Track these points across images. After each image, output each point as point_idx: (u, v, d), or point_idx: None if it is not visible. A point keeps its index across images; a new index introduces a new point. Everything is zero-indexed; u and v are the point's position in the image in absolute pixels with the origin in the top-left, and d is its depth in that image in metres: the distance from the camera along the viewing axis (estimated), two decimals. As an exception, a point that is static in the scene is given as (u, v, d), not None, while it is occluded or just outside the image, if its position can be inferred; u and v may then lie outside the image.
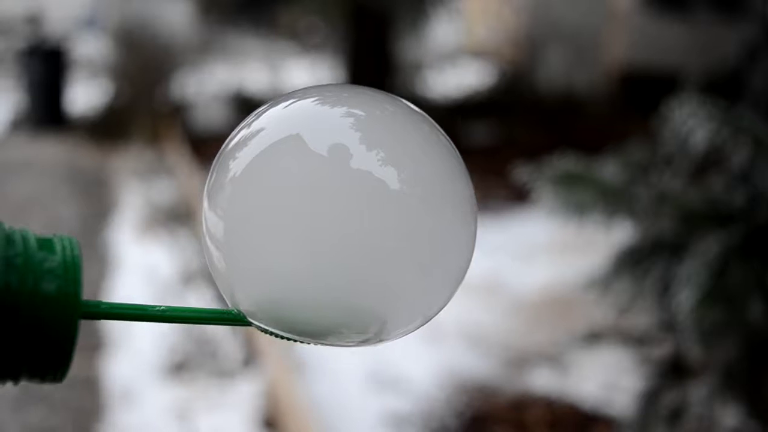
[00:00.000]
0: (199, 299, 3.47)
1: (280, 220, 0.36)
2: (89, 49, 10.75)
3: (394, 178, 0.36)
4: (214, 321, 0.39)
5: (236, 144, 0.38)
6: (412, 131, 0.39)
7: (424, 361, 2.91)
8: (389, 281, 0.37)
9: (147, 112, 7.10)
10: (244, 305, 0.38)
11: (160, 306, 0.37)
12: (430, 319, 0.40)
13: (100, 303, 0.36)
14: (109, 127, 7.08)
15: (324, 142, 0.36)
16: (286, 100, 0.39)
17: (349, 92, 0.40)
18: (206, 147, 6.40)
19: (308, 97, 0.39)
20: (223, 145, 0.40)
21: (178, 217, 4.71)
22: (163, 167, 6.08)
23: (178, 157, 6.04)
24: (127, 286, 3.67)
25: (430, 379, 2.80)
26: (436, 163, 0.39)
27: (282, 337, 0.38)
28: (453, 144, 0.41)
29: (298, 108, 0.38)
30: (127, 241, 4.34)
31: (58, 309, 0.33)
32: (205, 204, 0.39)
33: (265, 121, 0.38)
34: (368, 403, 2.61)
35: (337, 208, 0.36)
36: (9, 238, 0.34)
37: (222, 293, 0.40)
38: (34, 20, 13.08)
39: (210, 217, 0.38)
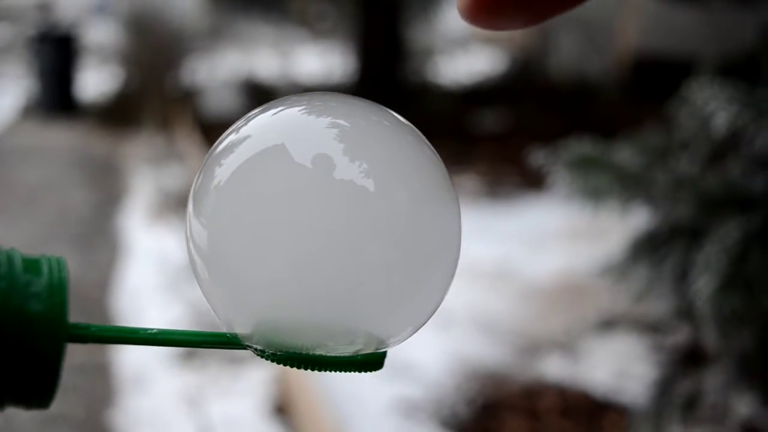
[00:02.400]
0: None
1: (260, 232, 0.36)
2: (100, 35, 10.75)
3: (375, 188, 0.36)
4: (208, 344, 0.38)
5: (223, 149, 0.38)
6: (397, 142, 0.39)
7: (435, 348, 2.90)
8: (376, 291, 0.37)
9: (158, 98, 7.10)
10: (223, 313, 0.38)
11: (152, 329, 0.36)
12: (420, 327, 0.40)
13: (90, 326, 0.35)
14: (119, 113, 7.09)
15: (307, 152, 0.36)
16: (276, 107, 0.39)
17: (337, 101, 0.40)
18: (216, 133, 6.33)
19: (297, 106, 0.39)
20: (211, 148, 0.39)
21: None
22: (174, 153, 6.08)
23: (188, 143, 6.04)
24: (137, 272, 3.67)
25: (441, 366, 2.79)
26: (419, 173, 0.39)
27: (275, 360, 0.38)
28: (437, 155, 0.41)
29: (286, 116, 0.38)
30: (137, 227, 4.34)
31: (43, 333, 0.32)
32: (190, 207, 0.39)
33: (253, 128, 0.38)
34: (379, 391, 2.60)
35: (318, 219, 0.36)
36: None
37: (205, 299, 0.40)
38: (44, 6, 13.10)
39: (194, 223, 0.38)
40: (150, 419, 2.51)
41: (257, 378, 2.68)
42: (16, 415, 2.46)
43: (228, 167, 0.37)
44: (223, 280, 0.37)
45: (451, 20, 9.59)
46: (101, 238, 4.17)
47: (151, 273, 3.66)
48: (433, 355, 2.85)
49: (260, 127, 0.38)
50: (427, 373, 2.72)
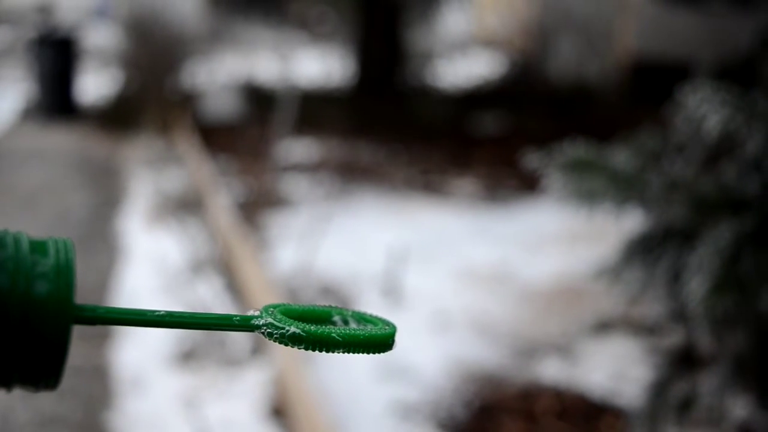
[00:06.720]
0: (208, 288, 3.47)
1: None
2: (100, 38, 10.76)
3: None
4: (215, 326, 0.38)
5: None
6: None
7: (433, 350, 2.91)
8: None
9: (157, 102, 7.10)
10: None
11: (160, 311, 0.36)
12: None
13: (96, 307, 0.35)
14: (119, 117, 7.09)
15: None
16: None
17: None
18: (216, 136, 6.40)
19: None
20: None
21: (187, 206, 4.72)
22: (173, 156, 6.08)
23: (188, 146, 6.04)
24: (136, 274, 3.68)
25: (438, 368, 2.79)
26: None
27: (283, 342, 0.37)
28: None
29: None
30: (136, 229, 4.34)
31: (49, 313, 0.32)
32: None
33: None
34: (376, 393, 2.60)
35: None
36: (1, 242, 0.32)
37: None
38: (45, 10, 13.11)
39: None
40: (147, 421, 2.52)
41: (254, 380, 2.68)
42: (15, 416, 2.46)
43: None
44: None
45: (451, 24, 9.60)
46: (100, 240, 4.17)
47: (149, 275, 3.66)
48: (430, 357, 2.85)
49: None
50: (424, 375, 2.73)
